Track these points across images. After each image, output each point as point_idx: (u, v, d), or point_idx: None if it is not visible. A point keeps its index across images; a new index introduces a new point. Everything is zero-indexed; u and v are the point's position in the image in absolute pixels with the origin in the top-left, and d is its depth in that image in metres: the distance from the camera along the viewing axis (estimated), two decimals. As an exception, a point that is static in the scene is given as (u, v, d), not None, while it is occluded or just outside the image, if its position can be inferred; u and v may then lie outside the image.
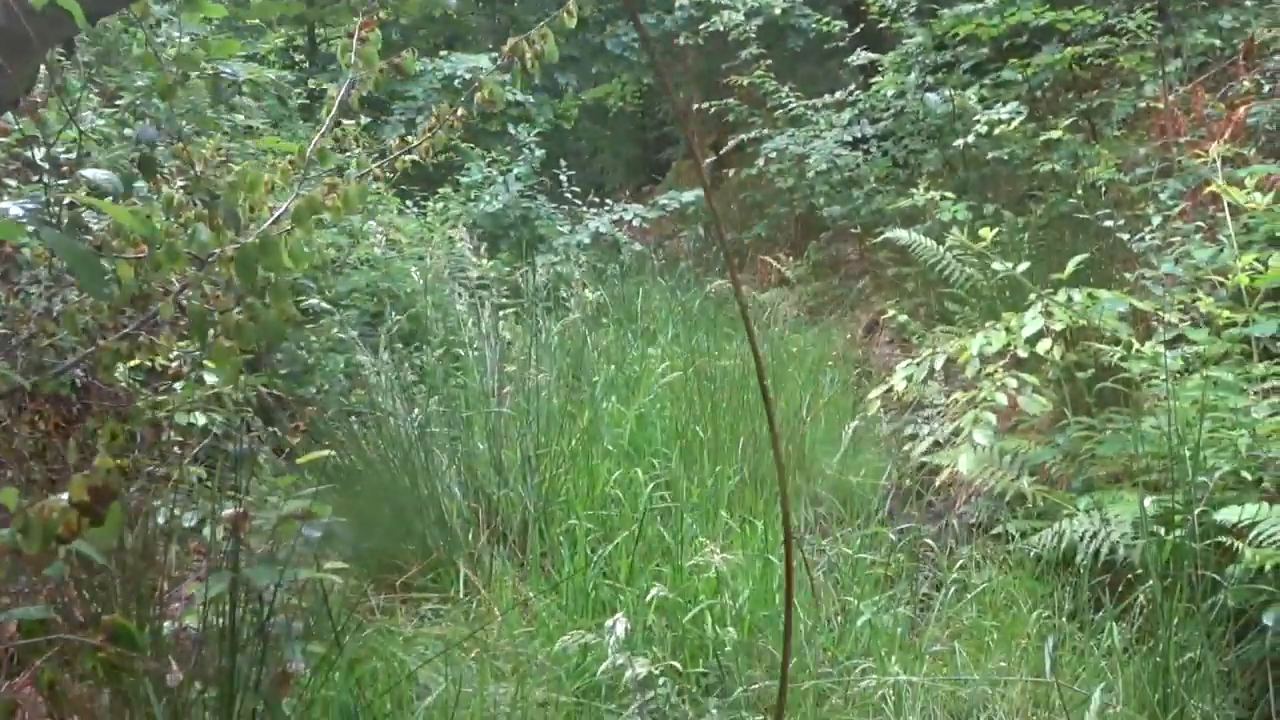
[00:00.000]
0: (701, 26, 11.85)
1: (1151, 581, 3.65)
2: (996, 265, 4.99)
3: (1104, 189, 7.18)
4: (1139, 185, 6.80)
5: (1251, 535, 3.53)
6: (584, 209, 10.87)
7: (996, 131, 7.73)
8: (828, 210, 10.16)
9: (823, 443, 6.16)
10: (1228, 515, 3.56)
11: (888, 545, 4.77)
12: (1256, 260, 4.74)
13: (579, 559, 4.55)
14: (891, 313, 7.02)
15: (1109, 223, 5.86)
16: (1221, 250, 5.01)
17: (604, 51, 14.71)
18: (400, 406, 5.57)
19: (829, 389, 7.04)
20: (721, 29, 10.99)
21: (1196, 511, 3.67)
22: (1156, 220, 5.81)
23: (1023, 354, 4.74)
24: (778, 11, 12.11)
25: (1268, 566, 3.52)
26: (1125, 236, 5.73)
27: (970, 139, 8.02)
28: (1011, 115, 7.68)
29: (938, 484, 5.28)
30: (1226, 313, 4.77)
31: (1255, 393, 4.37)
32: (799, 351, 7.93)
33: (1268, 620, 3.57)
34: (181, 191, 3.57)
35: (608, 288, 9.27)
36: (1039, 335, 4.73)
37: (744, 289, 10.75)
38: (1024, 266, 4.97)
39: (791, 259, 11.03)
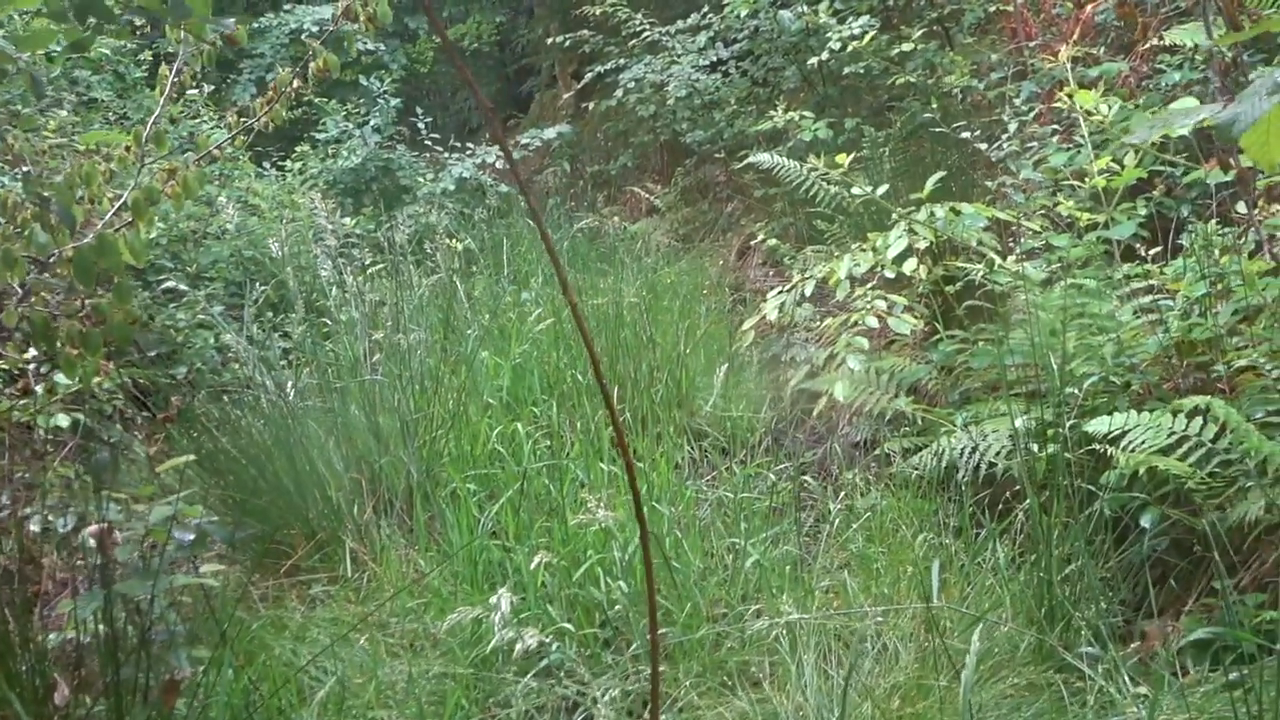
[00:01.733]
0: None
1: (1029, 499, 3.69)
2: (856, 189, 4.98)
3: (961, 97, 7.21)
4: (994, 91, 6.84)
5: (1123, 442, 3.58)
6: (445, 155, 10.70)
7: (850, 47, 7.72)
8: (691, 136, 10.12)
9: (704, 375, 6.16)
10: (1098, 426, 3.60)
11: (773, 477, 4.78)
12: (1112, 160, 4.79)
13: (465, 523, 4.49)
14: (761, 236, 7.02)
15: (966, 134, 5.87)
16: (1078, 152, 5.05)
17: (454, -8, 14.49)
18: (272, 381, 5.45)
19: (705, 318, 7.03)
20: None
21: (1068, 424, 3.72)
22: (1013, 126, 5.85)
23: (890, 274, 4.76)
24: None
25: (1141, 471, 3.58)
26: (983, 146, 5.75)
27: (825, 56, 8.00)
28: (864, 29, 7.66)
29: (817, 411, 5.30)
30: (1087, 215, 4.82)
31: (1119, 296, 4.43)
32: (673, 282, 7.91)
33: (1145, 523, 3.64)
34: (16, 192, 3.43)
35: (476, 234, 9.14)
36: (905, 254, 4.75)
37: (615, 220, 10.70)
38: (883, 189, 4.97)
39: (660, 187, 11.00)
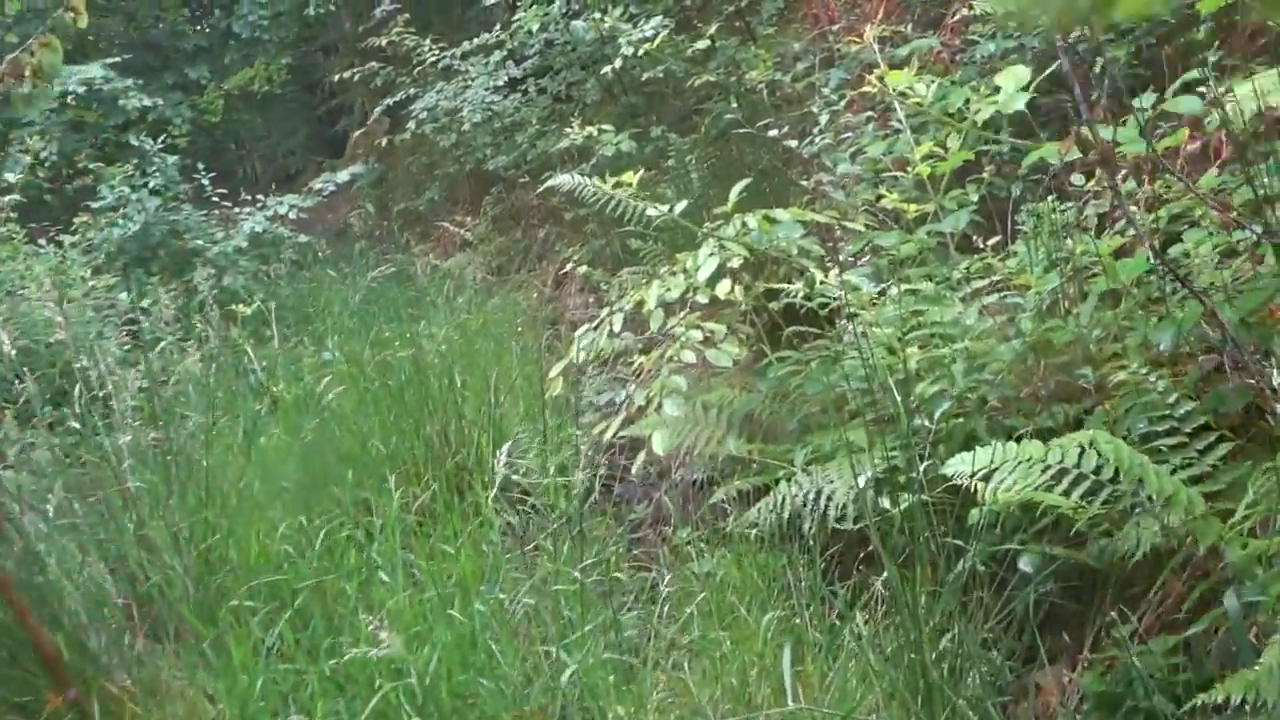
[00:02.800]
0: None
1: (887, 570, 3.05)
2: (651, 210, 4.36)
3: (768, 92, 6.71)
4: (802, 82, 6.34)
5: (993, 482, 2.97)
6: (236, 210, 9.91)
7: (643, 50, 7.15)
8: (494, 162, 9.53)
9: (521, 424, 5.52)
10: (959, 466, 3.00)
11: (598, 547, 4.10)
12: (936, 145, 4.29)
13: (242, 649, 3.74)
14: (573, 263, 6.44)
15: (773, 132, 5.33)
16: (897, 139, 4.54)
17: (234, 36, 13.62)
18: (23, 497, 4.67)
19: (520, 360, 6.38)
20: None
21: (923, 466, 3.11)
22: (824, 118, 5.34)
23: (703, 299, 4.19)
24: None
25: (1013, 506, 3.01)
26: (793, 143, 5.22)
27: (619, 63, 7.44)
28: (656, 30, 7.11)
29: (636, 467, 4.69)
30: (914, 206, 4.30)
31: (960, 298, 3.89)
32: (486, 322, 7.29)
33: (1025, 567, 3.08)
34: None
35: (273, 292, 8.40)
36: (719, 275, 4.17)
37: (428, 258, 10.09)
38: (682, 205, 4.37)
39: (471, 219, 10.37)
